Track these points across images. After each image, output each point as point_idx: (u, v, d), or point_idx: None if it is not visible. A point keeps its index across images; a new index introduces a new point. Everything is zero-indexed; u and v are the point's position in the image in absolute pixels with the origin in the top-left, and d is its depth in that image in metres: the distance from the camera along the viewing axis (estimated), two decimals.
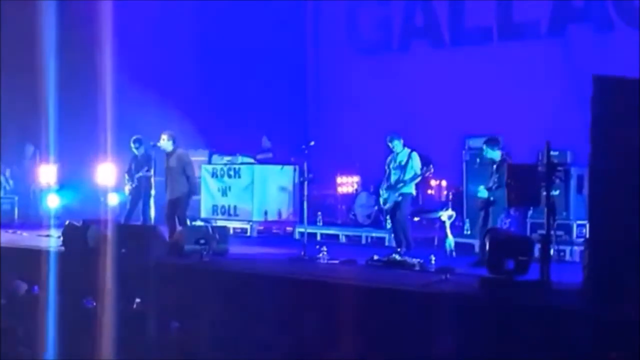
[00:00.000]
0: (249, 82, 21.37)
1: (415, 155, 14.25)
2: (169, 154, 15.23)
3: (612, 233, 9.49)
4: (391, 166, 14.39)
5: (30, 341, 12.52)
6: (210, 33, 21.63)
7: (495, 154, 13.29)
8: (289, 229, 18.08)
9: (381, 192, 14.59)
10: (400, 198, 14.21)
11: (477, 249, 13.69)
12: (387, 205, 14.45)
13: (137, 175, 16.55)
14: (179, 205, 15.14)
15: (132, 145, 16.76)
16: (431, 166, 14.17)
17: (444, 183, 17.42)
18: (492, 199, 13.06)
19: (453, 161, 16.25)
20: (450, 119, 18.21)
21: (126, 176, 16.88)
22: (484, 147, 13.51)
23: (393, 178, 14.32)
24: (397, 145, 14.33)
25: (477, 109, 18.00)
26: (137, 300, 12.70)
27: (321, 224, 17.67)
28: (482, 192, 13.31)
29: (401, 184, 14.21)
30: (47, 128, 18.74)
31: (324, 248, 13.68)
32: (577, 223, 14.06)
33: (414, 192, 14.46)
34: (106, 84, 17.74)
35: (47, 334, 12.43)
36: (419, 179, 14.33)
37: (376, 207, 16.47)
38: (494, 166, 13.27)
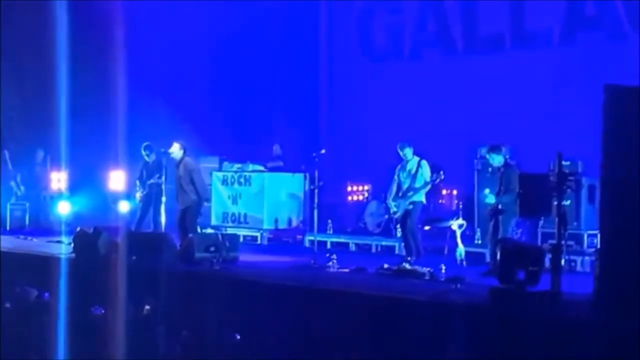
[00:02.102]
0: (261, 90, 21.38)
1: (425, 163, 14.23)
2: (178, 163, 15.32)
3: (623, 243, 9.45)
4: (401, 175, 14.37)
5: (40, 347, 12.55)
6: (222, 41, 21.66)
7: (499, 160, 13.27)
8: (299, 236, 18.05)
9: (389, 201, 14.56)
10: (411, 206, 14.19)
11: (487, 259, 13.65)
12: (398, 214, 14.43)
13: (148, 182, 16.57)
14: (189, 214, 15.19)
15: (143, 152, 16.80)
16: (441, 172, 14.14)
17: (454, 192, 17.37)
18: (500, 207, 13.02)
19: (464, 170, 16.21)
20: (462, 128, 18.16)
21: (137, 183, 16.91)
22: (488, 155, 13.51)
23: (404, 186, 14.30)
24: (408, 152, 14.31)
25: (488, 117, 17.95)
26: (147, 307, 12.71)
27: (331, 232, 17.63)
28: (490, 198, 13.26)
29: (412, 192, 14.18)
30: (58, 133, 18.79)
31: (334, 256, 13.67)
32: (588, 233, 14.01)
33: (424, 200, 14.43)
34: (118, 90, 17.78)
35: (57, 341, 12.45)
36: (429, 186, 14.30)
37: (386, 216, 16.43)
38: (500, 172, 13.25)
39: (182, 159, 15.32)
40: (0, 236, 17.83)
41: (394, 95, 20.38)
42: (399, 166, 14.45)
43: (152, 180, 16.48)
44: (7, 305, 13.69)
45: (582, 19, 18.05)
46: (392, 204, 14.47)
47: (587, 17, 18.00)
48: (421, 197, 14.31)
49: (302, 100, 22.03)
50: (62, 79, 18.60)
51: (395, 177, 14.44)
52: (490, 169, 14.51)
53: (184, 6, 21.06)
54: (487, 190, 13.45)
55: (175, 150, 15.32)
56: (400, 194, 14.34)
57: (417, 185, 14.19)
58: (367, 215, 17.56)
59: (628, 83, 10.11)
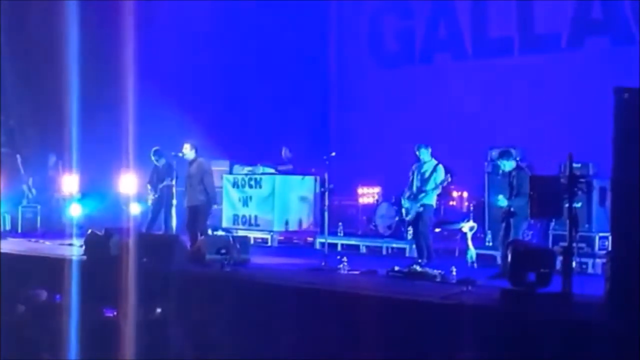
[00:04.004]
0: (271, 93, 21.41)
1: (440, 167, 14.22)
2: (190, 163, 15.43)
3: (634, 245, 9.43)
4: (415, 175, 14.39)
5: (52, 349, 12.60)
6: (233, 44, 21.69)
7: (510, 164, 13.27)
8: (309, 239, 18.07)
9: (403, 201, 14.59)
10: (421, 209, 14.20)
11: (498, 261, 13.65)
12: (409, 216, 14.45)
13: (160, 186, 16.61)
14: (199, 215, 15.24)
15: (153, 157, 16.83)
16: (449, 176, 14.15)
17: (465, 194, 17.37)
18: (512, 209, 13.01)
19: (475, 172, 16.22)
20: (472, 131, 18.19)
21: (148, 186, 16.95)
22: (499, 161, 13.50)
23: (415, 188, 14.32)
24: (424, 154, 14.32)
25: (499, 120, 17.98)
26: (158, 309, 12.75)
27: (342, 234, 17.64)
28: (502, 201, 13.24)
29: (423, 194, 14.21)
30: (69, 137, 18.85)
31: (345, 258, 13.67)
32: (599, 235, 13.97)
33: (434, 203, 14.43)
34: (128, 93, 17.82)
35: (69, 342, 12.51)
36: (438, 190, 14.31)
37: (397, 218, 16.45)
38: (511, 175, 13.25)
39: (195, 158, 15.46)
40: (12, 239, 17.99)
41: (404, 99, 20.41)
42: (415, 165, 14.47)
43: (164, 184, 16.50)
44: (21, 308, 13.76)
45: (589, 23, 18.09)
46: (405, 204, 14.48)
47: (594, 20, 18.03)
48: (431, 200, 14.32)
49: (312, 103, 22.07)
50: (73, 83, 18.66)
51: (410, 175, 14.46)
52: (501, 171, 14.52)
53: (194, 10, 21.11)
54: (501, 196, 13.41)
55: (187, 150, 15.49)
56: (411, 196, 14.36)
57: (428, 187, 14.21)
58: (377, 218, 17.56)
59: (637, 85, 10.11)
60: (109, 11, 18.96)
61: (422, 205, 14.18)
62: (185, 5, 20.98)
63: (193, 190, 15.31)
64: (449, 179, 14.22)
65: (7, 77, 20.39)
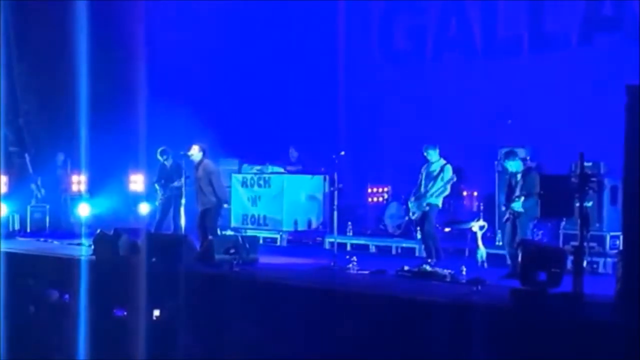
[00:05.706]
0: (280, 92, 21.40)
1: (448, 167, 14.15)
2: (196, 165, 15.38)
3: None
4: (423, 175, 14.34)
5: (62, 348, 12.62)
6: (241, 43, 21.69)
7: (517, 165, 13.19)
8: (318, 238, 18.03)
9: (410, 201, 14.54)
10: (427, 208, 14.16)
11: (508, 261, 13.58)
12: (415, 216, 14.41)
13: (171, 185, 16.57)
14: (209, 216, 15.21)
15: (160, 157, 16.80)
16: (454, 175, 14.08)
17: (475, 193, 17.30)
18: (516, 209, 12.94)
19: (485, 172, 16.15)
20: (483, 130, 18.11)
21: (156, 186, 16.92)
22: (505, 162, 13.42)
23: (422, 188, 14.28)
24: (432, 154, 14.26)
25: (509, 119, 17.88)
26: (166, 309, 12.74)
27: (351, 234, 17.61)
28: (517, 205, 13.09)
29: (429, 194, 14.16)
30: (78, 136, 18.87)
31: (354, 258, 13.65)
32: (610, 235, 13.88)
33: (440, 203, 14.35)
34: (137, 93, 17.83)
35: (79, 342, 12.52)
36: (446, 190, 14.24)
37: (406, 218, 16.38)
38: (518, 176, 13.16)
39: (201, 160, 15.38)
40: (21, 238, 18.02)
41: (414, 97, 20.34)
42: (424, 166, 14.42)
43: (176, 183, 16.45)
44: (31, 308, 13.80)
45: (599, 20, 17.99)
46: (411, 203, 14.44)
47: (604, 18, 17.93)
48: (437, 200, 14.25)
49: (321, 101, 22.00)
50: (82, 82, 18.69)
51: (420, 176, 14.42)
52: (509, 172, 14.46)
53: (202, 9, 21.12)
54: (518, 202, 13.24)
55: (195, 152, 15.40)
56: (418, 195, 14.31)
57: (435, 187, 14.15)
58: (387, 217, 17.52)
59: None
60: (118, 11, 18.99)
61: (428, 204, 14.13)
62: (194, 4, 20.99)
63: (203, 194, 15.27)
64: (455, 179, 14.16)
65: (16, 76, 20.43)
